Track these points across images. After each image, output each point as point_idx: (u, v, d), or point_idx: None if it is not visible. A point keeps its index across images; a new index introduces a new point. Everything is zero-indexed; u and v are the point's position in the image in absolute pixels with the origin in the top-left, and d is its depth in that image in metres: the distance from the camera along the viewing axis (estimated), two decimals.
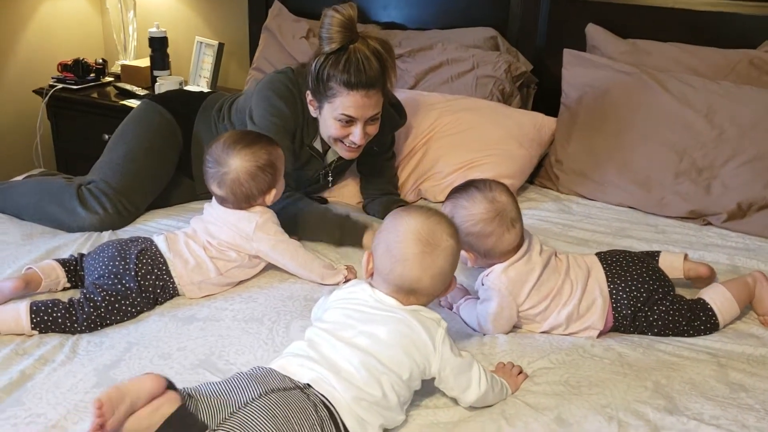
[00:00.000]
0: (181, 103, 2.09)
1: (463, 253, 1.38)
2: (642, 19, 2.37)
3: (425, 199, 2.14)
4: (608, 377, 1.28)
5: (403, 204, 1.99)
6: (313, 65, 1.74)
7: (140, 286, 1.46)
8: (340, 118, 1.74)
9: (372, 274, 1.21)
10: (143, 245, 1.52)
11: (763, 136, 1.97)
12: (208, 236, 1.56)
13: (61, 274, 1.52)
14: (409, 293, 1.16)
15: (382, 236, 1.19)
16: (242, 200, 1.55)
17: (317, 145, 1.92)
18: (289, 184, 1.76)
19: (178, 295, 1.53)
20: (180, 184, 2.06)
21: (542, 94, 2.54)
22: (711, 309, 1.46)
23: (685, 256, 1.60)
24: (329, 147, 1.93)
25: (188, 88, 2.97)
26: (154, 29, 3.09)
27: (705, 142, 2.03)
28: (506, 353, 1.35)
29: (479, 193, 1.41)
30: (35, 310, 1.37)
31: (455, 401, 1.20)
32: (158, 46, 3.09)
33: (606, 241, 1.85)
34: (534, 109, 2.45)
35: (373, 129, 1.80)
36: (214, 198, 1.62)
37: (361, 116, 1.73)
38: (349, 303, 1.19)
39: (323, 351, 1.13)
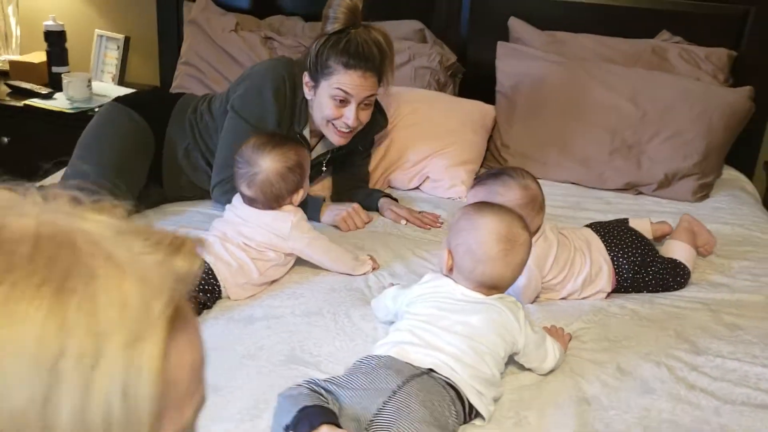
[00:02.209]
0: (155, 107, 2.05)
1: None
2: (557, 12, 2.64)
3: (393, 188, 2.26)
4: (636, 330, 1.51)
5: (385, 196, 2.09)
6: (314, 45, 1.81)
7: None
8: (335, 94, 1.80)
9: (451, 270, 1.32)
10: None
11: (678, 116, 2.31)
12: (243, 238, 1.58)
13: None
14: (491, 288, 1.29)
15: (461, 237, 1.29)
16: (272, 200, 1.60)
17: (306, 134, 1.97)
18: None
19: (221, 298, 1.55)
20: (148, 190, 2.02)
21: (466, 82, 2.74)
22: (684, 265, 1.73)
23: (649, 220, 1.89)
24: (318, 140, 2.00)
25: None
26: (50, 22, 2.91)
27: (632, 123, 2.33)
28: (543, 320, 1.54)
29: (513, 180, 1.57)
30: None
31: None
32: (56, 40, 2.93)
33: (570, 215, 2.09)
34: (459, 96, 2.64)
35: (365, 116, 1.88)
36: (236, 200, 1.64)
37: (356, 95, 1.81)
38: (437, 296, 1.30)
39: (429, 339, 1.24)
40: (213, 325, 1.45)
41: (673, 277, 1.71)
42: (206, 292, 1.50)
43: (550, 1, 2.64)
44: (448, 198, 2.20)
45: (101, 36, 3.09)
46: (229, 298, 1.55)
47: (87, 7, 3.10)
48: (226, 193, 1.83)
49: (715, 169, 2.34)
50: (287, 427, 1.07)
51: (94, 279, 0.39)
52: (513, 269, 1.28)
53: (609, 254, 1.69)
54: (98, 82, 3.02)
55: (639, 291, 1.70)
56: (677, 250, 1.75)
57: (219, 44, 2.65)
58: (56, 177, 2.14)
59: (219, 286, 1.52)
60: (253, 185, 1.57)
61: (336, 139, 1.91)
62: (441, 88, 2.58)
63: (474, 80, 2.68)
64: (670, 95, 2.33)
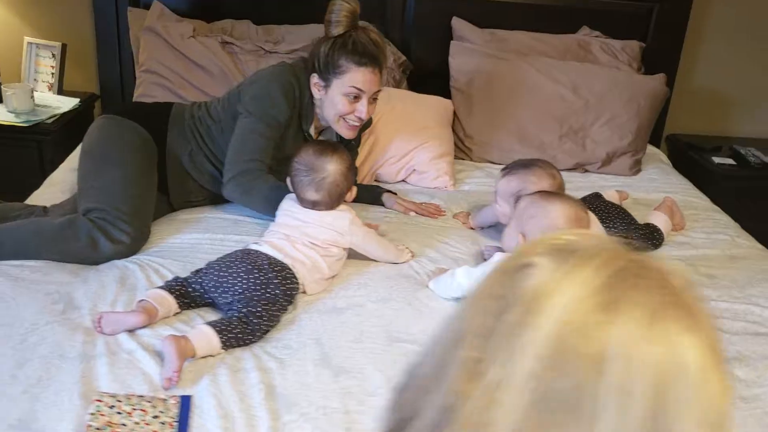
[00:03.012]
0: (153, 118, 2.12)
1: (509, 213, 1.81)
2: (492, 10, 2.93)
3: (381, 181, 2.47)
4: None
5: (386, 191, 2.28)
6: (322, 48, 1.98)
7: (283, 292, 1.61)
8: (348, 92, 1.97)
9: None
10: (264, 256, 1.65)
11: (612, 103, 2.69)
12: (308, 238, 1.73)
13: (171, 301, 1.58)
14: None
15: (534, 222, 1.54)
16: (335, 200, 1.76)
17: (312, 132, 2.13)
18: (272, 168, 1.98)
19: (297, 294, 1.69)
20: (157, 201, 2.09)
21: (412, 80, 2.97)
22: (659, 228, 2.10)
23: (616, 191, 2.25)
24: (320, 133, 2.16)
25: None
26: None
27: (576, 110, 2.69)
28: None
29: (542, 170, 1.84)
30: (219, 330, 1.46)
31: None
32: None
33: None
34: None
35: (372, 109, 2.07)
36: (291, 206, 1.78)
37: (368, 90, 2.00)
38: None
39: None
40: (309, 318, 1.60)
41: (651, 240, 2.06)
42: (294, 290, 1.64)
43: (486, 1, 2.93)
44: (435, 188, 2.44)
45: (32, 44, 3.00)
46: (305, 293, 1.70)
47: (13, 16, 2.99)
48: (240, 186, 1.95)
49: (643, 146, 2.75)
50: None
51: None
52: None
53: (603, 225, 2.01)
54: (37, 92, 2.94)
55: None
56: (656, 218, 2.10)
57: (180, 51, 2.70)
58: (41, 195, 2.15)
59: (298, 284, 1.67)
60: (322, 189, 1.72)
61: (346, 133, 2.07)
62: (397, 85, 2.81)
63: (421, 77, 2.92)
64: (603, 85, 2.71)
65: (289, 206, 1.80)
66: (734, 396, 1.44)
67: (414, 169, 2.46)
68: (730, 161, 2.89)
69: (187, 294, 1.61)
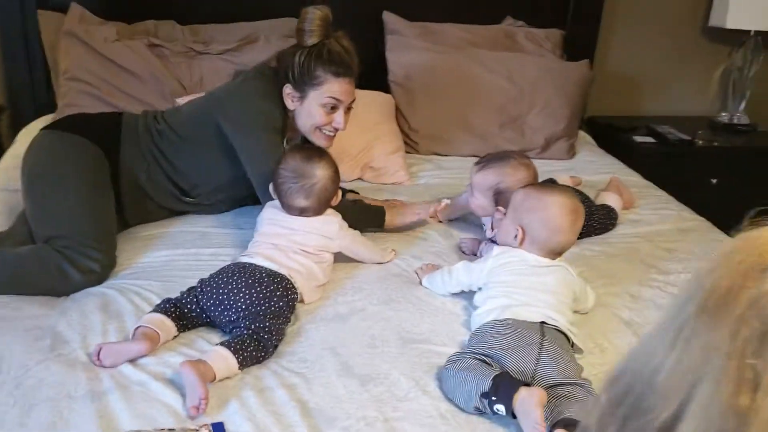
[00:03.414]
0: (101, 132, 1.99)
1: (486, 205, 1.86)
2: (420, 4, 2.95)
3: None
4: (615, 265, 1.92)
5: (349, 191, 2.25)
6: (297, 58, 1.93)
7: (286, 303, 1.57)
8: (326, 102, 1.93)
9: (521, 243, 1.61)
10: (261, 269, 1.59)
11: (546, 90, 2.79)
12: (299, 245, 1.69)
13: (170, 324, 1.51)
14: (558, 253, 1.61)
15: (534, 214, 1.57)
16: (324, 205, 1.73)
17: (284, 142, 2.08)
18: None
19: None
20: None
21: None
22: (614, 209, 2.21)
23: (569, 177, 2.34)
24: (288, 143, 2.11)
25: None
26: None
27: (513, 99, 2.77)
28: None
29: (517, 162, 1.89)
30: (234, 350, 1.40)
31: None
32: None
33: None
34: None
35: (347, 119, 2.05)
36: (275, 213, 1.73)
37: (345, 100, 1.97)
38: (514, 265, 1.58)
39: (524, 299, 1.52)
40: (316, 328, 1.57)
41: (610, 219, 2.17)
42: (294, 301, 1.60)
43: None
44: (393, 183, 2.44)
45: None
46: (302, 302, 1.66)
47: None
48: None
49: (576, 130, 2.88)
50: (486, 395, 1.28)
51: None
52: (575, 235, 1.61)
53: None
54: None
55: (588, 235, 2.13)
56: (608, 198, 2.21)
57: (105, 56, 2.56)
58: None
59: (297, 293, 1.63)
60: (312, 195, 1.69)
61: (324, 143, 2.02)
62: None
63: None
64: (536, 73, 2.81)
65: (272, 215, 1.75)
66: None
67: (370, 166, 2.46)
68: (650, 139, 3.07)
69: (184, 315, 1.54)
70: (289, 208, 1.72)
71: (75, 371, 1.38)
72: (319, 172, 1.69)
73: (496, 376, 1.30)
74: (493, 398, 1.28)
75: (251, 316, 1.50)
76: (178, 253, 1.87)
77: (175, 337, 1.53)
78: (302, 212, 1.71)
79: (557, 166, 2.69)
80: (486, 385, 1.29)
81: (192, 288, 1.59)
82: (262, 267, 1.60)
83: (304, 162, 1.70)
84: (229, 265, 1.62)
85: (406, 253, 1.92)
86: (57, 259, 1.69)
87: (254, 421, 1.27)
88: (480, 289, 1.64)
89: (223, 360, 1.38)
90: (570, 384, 1.33)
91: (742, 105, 3.32)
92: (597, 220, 2.13)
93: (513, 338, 1.41)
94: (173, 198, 2.06)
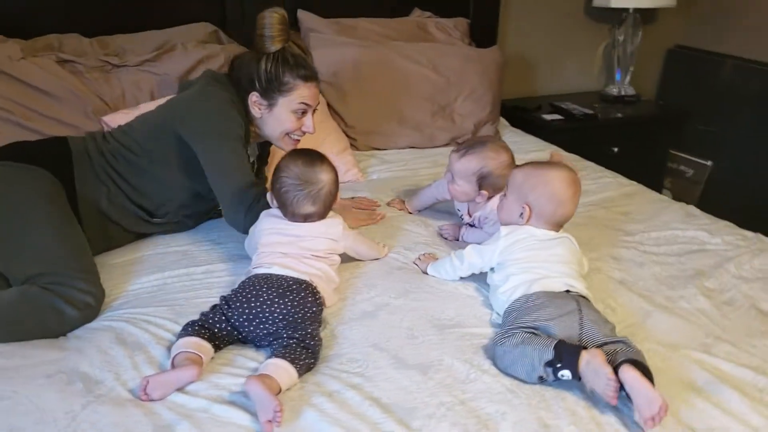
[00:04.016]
0: (51, 160, 1.87)
1: (469, 191, 1.94)
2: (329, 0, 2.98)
3: None
4: (589, 233, 2.05)
5: None
6: (263, 65, 1.89)
7: (318, 308, 1.55)
8: (297, 108, 1.92)
9: (528, 220, 1.68)
10: (284, 278, 1.56)
11: (469, 77, 2.91)
12: (310, 251, 1.67)
13: (208, 346, 1.45)
14: (561, 225, 1.70)
15: (538, 191, 1.64)
16: (328, 208, 1.72)
17: (249, 150, 2.03)
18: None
19: None
20: None
21: None
22: None
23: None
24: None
25: None
26: None
27: (440, 88, 2.86)
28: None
29: (496, 145, 1.96)
30: (291, 360, 1.38)
31: None
32: None
33: (438, 172, 2.52)
34: None
35: (313, 120, 2.04)
36: (276, 222, 1.69)
37: (314, 104, 1.97)
38: (526, 241, 1.66)
39: (543, 272, 1.59)
40: (349, 328, 1.56)
41: None
42: (322, 305, 1.58)
43: None
44: (347, 181, 2.45)
45: None
46: (324, 306, 1.64)
47: None
48: (255, 218, 1.80)
49: (498, 114, 3.02)
50: (550, 363, 1.35)
51: None
52: (576, 205, 1.71)
53: None
54: None
55: None
56: None
57: (14, 76, 2.35)
58: None
59: (321, 297, 1.61)
60: (319, 200, 1.66)
61: (290, 148, 1.99)
62: None
63: None
64: (457, 62, 2.91)
65: (272, 224, 1.71)
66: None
67: None
68: (557, 116, 3.29)
69: (215, 335, 1.48)
70: (293, 216, 1.68)
71: (126, 409, 1.29)
72: (324, 177, 1.68)
73: (556, 345, 1.37)
74: (558, 365, 1.35)
75: (291, 324, 1.48)
76: (168, 275, 1.79)
77: (212, 358, 1.46)
78: (307, 218, 1.69)
79: None
80: (549, 353, 1.36)
81: (216, 306, 1.54)
82: (284, 276, 1.57)
83: (307, 168, 1.67)
84: (249, 279, 1.57)
85: (398, 246, 1.95)
86: (48, 298, 1.56)
87: (341, 425, 1.26)
88: (492, 269, 1.70)
89: (284, 371, 1.35)
90: (614, 342, 1.43)
91: (628, 78, 3.63)
92: None
93: (553, 308, 1.48)
94: (140, 221, 1.96)
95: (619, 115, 3.40)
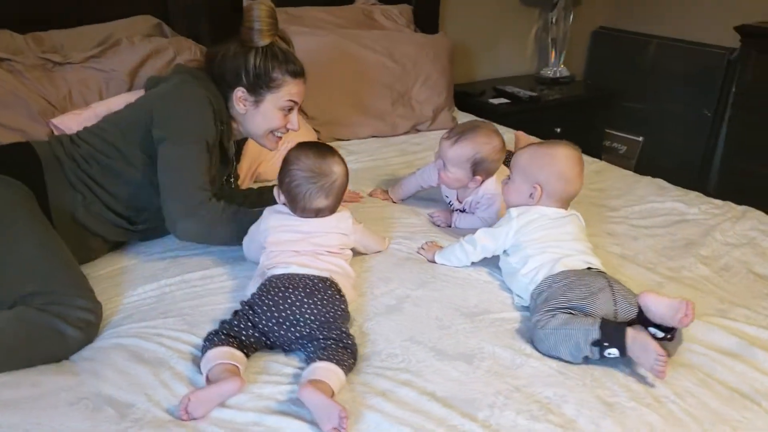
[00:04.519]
0: (18, 167, 1.70)
1: (462, 177, 1.93)
2: None
3: (264, 180, 2.32)
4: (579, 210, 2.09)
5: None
6: (252, 60, 1.79)
7: (345, 305, 1.49)
8: (284, 105, 1.83)
9: (539, 200, 1.68)
10: (307, 277, 1.49)
11: (423, 64, 2.89)
12: (323, 247, 1.60)
13: (239, 354, 1.36)
14: (569, 202, 1.71)
15: (546, 170, 1.64)
16: (339, 202, 1.64)
17: (231, 146, 1.92)
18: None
19: None
20: None
21: None
22: None
23: None
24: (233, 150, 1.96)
25: None
26: None
27: (398, 76, 2.82)
28: None
29: (487, 129, 1.94)
30: (336, 362, 1.31)
31: None
32: None
33: (416, 162, 2.50)
34: None
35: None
36: (285, 219, 1.61)
37: (300, 101, 1.89)
38: (538, 221, 1.65)
39: (561, 251, 1.60)
40: (377, 324, 1.51)
41: None
42: (346, 301, 1.51)
43: None
44: None
45: None
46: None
47: None
48: (201, 222, 1.70)
49: (452, 99, 3.02)
50: (597, 342, 1.35)
51: None
52: (582, 182, 1.72)
53: None
54: None
55: None
56: None
57: None
58: None
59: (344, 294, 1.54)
60: (332, 193, 1.59)
61: (273, 146, 1.91)
62: None
63: None
64: (411, 49, 2.89)
65: (280, 221, 1.62)
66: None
67: None
68: (504, 100, 3.32)
69: (242, 343, 1.39)
70: (303, 211, 1.60)
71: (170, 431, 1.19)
72: (337, 168, 1.61)
73: (602, 324, 1.37)
74: (605, 344, 1.35)
75: (325, 325, 1.41)
76: (164, 284, 1.67)
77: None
78: (319, 213, 1.61)
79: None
80: (595, 333, 1.36)
81: (239, 312, 1.44)
82: (306, 275, 1.49)
83: (319, 160, 1.59)
84: (270, 281, 1.48)
85: (396, 237, 1.90)
86: (46, 319, 1.42)
87: (407, 424, 1.21)
88: (505, 252, 1.69)
89: (333, 374, 1.29)
90: None
91: (562, 60, 3.72)
92: None
93: (584, 287, 1.48)
94: (120, 229, 1.82)
95: (559, 96, 3.48)
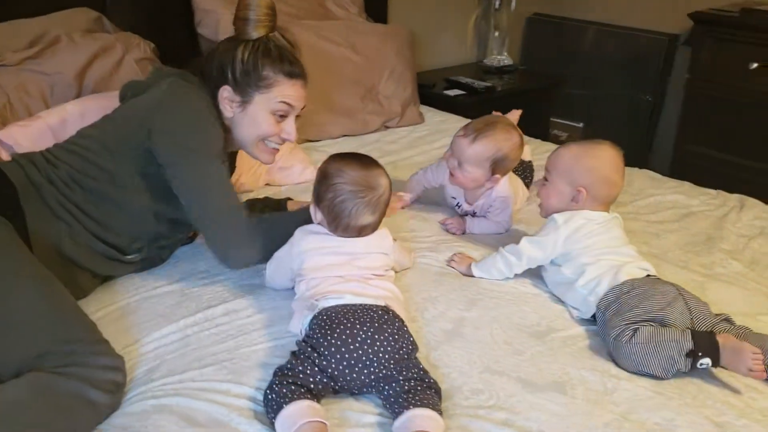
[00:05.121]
0: None
1: (480, 177, 1.82)
2: None
3: (246, 191, 2.10)
4: None
5: (287, 199, 1.95)
6: (239, 54, 1.56)
7: (413, 338, 1.33)
8: (277, 108, 1.59)
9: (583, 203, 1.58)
10: (368, 308, 1.32)
11: (386, 55, 2.73)
12: (367, 270, 1.43)
13: (318, 407, 1.18)
14: (611, 204, 1.63)
15: (593, 174, 1.55)
16: (382, 218, 1.48)
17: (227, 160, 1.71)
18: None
19: None
20: None
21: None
22: (530, 162, 2.27)
23: None
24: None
25: None
26: None
27: (363, 70, 2.65)
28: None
29: (505, 125, 1.83)
30: (432, 406, 1.18)
31: None
32: None
33: (401, 163, 2.36)
34: None
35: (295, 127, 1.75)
36: (322, 240, 1.44)
37: (297, 107, 1.66)
38: (587, 226, 1.55)
39: (616, 258, 1.52)
40: (445, 354, 1.38)
41: (530, 171, 2.24)
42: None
43: None
44: (305, 182, 2.18)
45: None
46: None
47: None
48: (254, 247, 1.52)
49: (417, 93, 2.88)
50: (691, 353, 1.29)
51: None
52: (623, 183, 1.64)
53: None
54: None
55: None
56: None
57: None
58: None
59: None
60: (378, 208, 1.43)
61: (267, 159, 1.68)
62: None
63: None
64: (373, 40, 2.73)
65: (317, 242, 1.44)
66: None
67: (278, 167, 2.15)
68: (459, 91, 3.22)
69: (311, 391, 1.21)
70: (346, 230, 1.43)
71: None
72: (383, 181, 1.44)
73: (693, 333, 1.30)
74: (699, 353, 1.29)
75: (400, 363, 1.25)
76: (183, 324, 1.44)
77: None
78: (362, 231, 1.45)
79: (420, 132, 2.68)
80: (688, 344, 1.30)
81: (299, 355, 1.26)
82: (366, 305, 1.32)
83: (365, 171, 1.42)
84: (326, 315, 1.30)
85: (421, 249, 1.77)
86: (69, 386, 1.17)
87: None
88: (553, 262, 1.60)
89: (435, 423, 1.15)
90: (722, 320, 1.41)
91: (504, 48, 3.67)
92: (523, 178, 2.18)
93: (659, 296, 1.41)
94: (112, 261, 1.57)
95: (511, 85, 3.43)
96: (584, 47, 3.79)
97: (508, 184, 1.90)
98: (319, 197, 1.43)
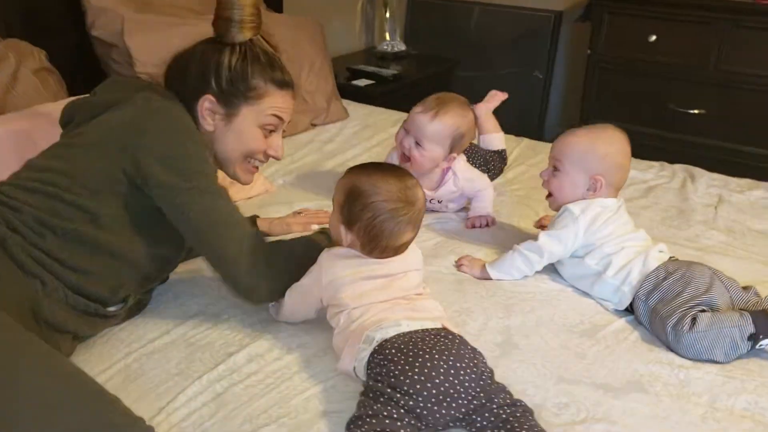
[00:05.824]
0: None
1: (438, 156, 1.76)
2: None
3: None
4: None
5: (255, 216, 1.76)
6: (226, 60, 1.36)
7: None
8: (267, 122, 1.41)
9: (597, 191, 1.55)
10: (430, 333, 1.19)
11: (304, 48, 2.56)
12: (410, 290, 1.30)
13: None
14: (620, 189, 1.61)
15: (608, 160, 1.51)
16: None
17: None
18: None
19: None
20: None
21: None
22: (503, 151, 2.20)
23: None
24: None
25: None
26: None
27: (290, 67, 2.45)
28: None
29: (459, 101, 1.81)
30: None
31: None
32: None
33: (342, 162, 2.22)
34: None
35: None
36: (354, 265, 1.28)
37: (286, 120, 1.47)
38: (603, 215, 1.52)
39: (636, 244, 1.51)
40: (508, 367, 1.28)
41: (502, 160, 2.19)
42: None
43: None
44: (257, 195, 1.99)
45: None
46: None
47: None
48: (277, 277, 1.33)
49: (336, 85, 2.72)
50: (752, 335, 1.29)
51: None
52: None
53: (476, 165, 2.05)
54: None
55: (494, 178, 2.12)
56: (496, 142, 2.20)
57: None
58: None
59: None
60: (417, 224, 1.30)
61: (247, 179, 1.49)
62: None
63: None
64: (287, 32, 2.52)
65: (351, 267, 1.28)
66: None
67: (229, 181, 1.91)
68: (368, 81, 3.10)
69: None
70: (384, 251, 1.28)
71: None
72: (420, 193, 1.31)
73: (754, 318, 1.31)
74: (761, 335, 1.29)
75: (488, 391, 1.14)
76: (207, 381, 1.23)
77: None
78: (399, 249, 1.31)
79: (352, 127, 2.55)
80: (749, 326, 1.30)
81: (376, 399, 1.11)
82: (427, 330, 1.20)
83: (402, 184, 1.27)
84: (397, 347, 1.15)
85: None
86: None
87: None
88: (573, 254, 1.55)
89: None
90: (751, 293, 1.43)
91: (398, 34, 3.59)
92: (493, 170, 2.14)
93: (698, 279, 1.40)
94: (95, 319, 1.31)
95: (408, 71, 3.36)
96: (470, 28, 3.79)
97: (467, 165, 1.86)
98: (351, 218, 1.27)
